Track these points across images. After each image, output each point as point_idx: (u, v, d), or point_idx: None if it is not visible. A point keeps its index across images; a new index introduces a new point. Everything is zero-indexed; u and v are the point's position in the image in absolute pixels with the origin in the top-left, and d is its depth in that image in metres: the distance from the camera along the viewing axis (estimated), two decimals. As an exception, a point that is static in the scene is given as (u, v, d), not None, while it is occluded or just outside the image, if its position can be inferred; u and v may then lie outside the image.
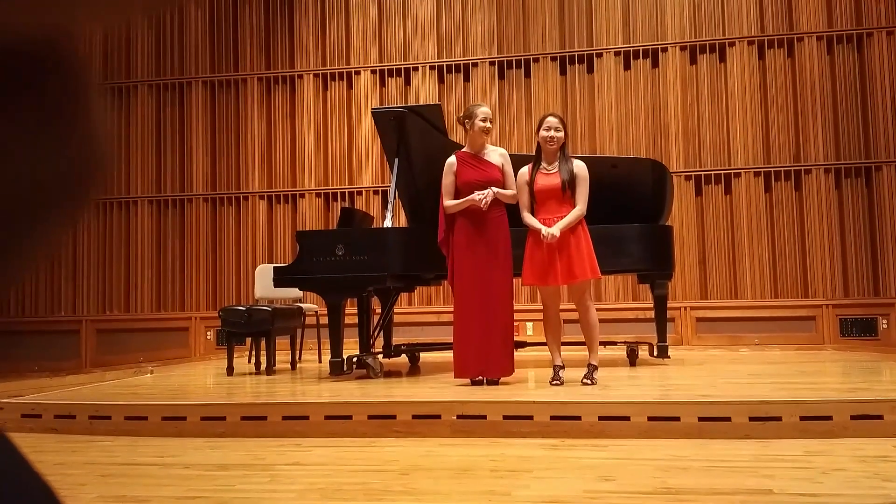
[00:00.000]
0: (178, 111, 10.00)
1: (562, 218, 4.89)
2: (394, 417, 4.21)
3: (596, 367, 4.97)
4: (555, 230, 4.82)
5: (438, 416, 4.17)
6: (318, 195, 9.58)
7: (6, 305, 10.05)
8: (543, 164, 5.05)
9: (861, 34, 8.61)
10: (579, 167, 5.02)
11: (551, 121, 5.05)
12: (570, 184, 4.93)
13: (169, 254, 9.80)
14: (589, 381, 4.85)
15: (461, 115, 5.34)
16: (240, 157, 9.80)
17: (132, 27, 10.12)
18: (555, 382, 4.89)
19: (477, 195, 5.02)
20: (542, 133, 5.04)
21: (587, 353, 5.06)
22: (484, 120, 5.17)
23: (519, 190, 5.07)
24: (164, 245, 9.84)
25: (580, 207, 4.94)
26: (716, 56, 8.92)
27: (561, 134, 5.02)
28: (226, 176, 9.82)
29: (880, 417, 3.75)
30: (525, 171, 5.08)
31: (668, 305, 6.51)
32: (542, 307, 5.15)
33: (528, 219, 4.99)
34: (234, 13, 9.98)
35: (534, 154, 5.17)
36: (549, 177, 4.98)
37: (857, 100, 8.58)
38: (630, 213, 6.10)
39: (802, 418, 3.79)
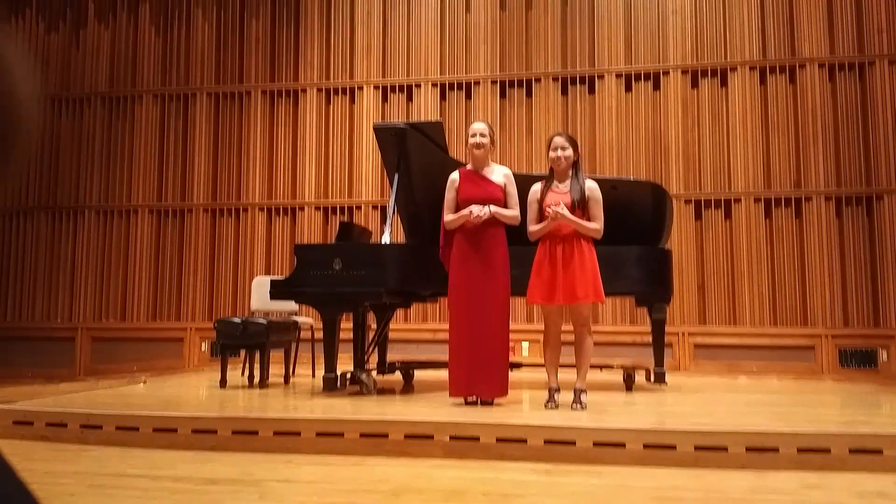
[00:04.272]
0: (182, 122, 10.00)
1: (570, 234, 4.84)
2: (386, 436, 4.16)
3: (584, 391, 4.92)
4: (563, 209, 4.77)
5: (431, 437, 4.13)
6: (317, 209, 9.56)
7: (3, 311, 10.02)
8: (555, 183, 5.02)
9: (863, 62, 8.63)
10: (592, 188, 4.98)
11: (558, 140, 5.02)
12: (580, 203, 4.89)
13: (167, 263, 9.78)
14: (579, 406, 4.80)
15: None
16: (241, 169, 9.79)
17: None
18: (550, 405, 4.85)
19: (473, 209, 5.00)
20: (551, 154, 5.02)
21: (575, 376, 5.01)
22: (473, 135, 5.15)
23: (529, 206, 5.03)
24: (162, 255, 9.82)
25: (597, 225, 4.90)
26: (717, 80, 8.93)
27: (569, 152, 4.98)
28: (226, 187, 9.81)
29: (880, 452, 3.71)
30: (537, 187, 5.05)
31: (667, 330, 6.47)
32: (538, 327, 5.10)
33: (535, 227, 4.95)
34: (240, 26, 10.00)
35: (536, 174, 5.13)
36: (560, 195, 4.93)
37: (859, 128, 8.58)
38: (629, 235, 6.06)
39: (800, 450, 3.75)
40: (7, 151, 0.36)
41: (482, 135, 5.17)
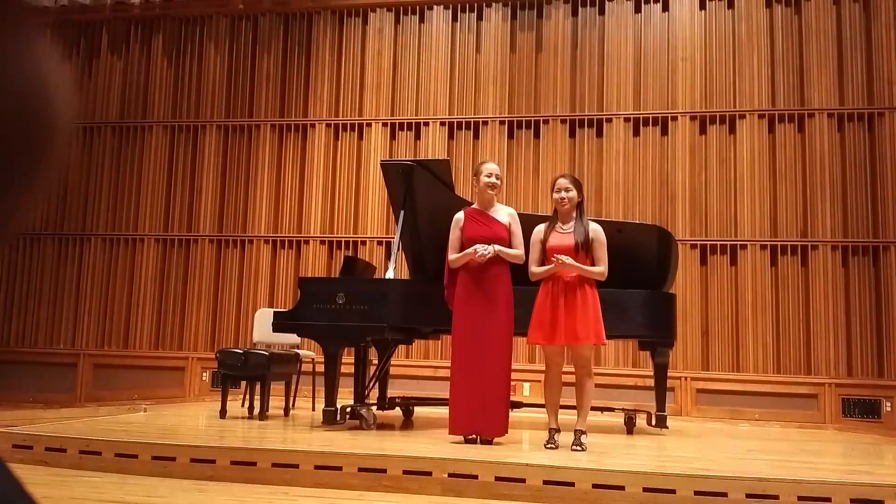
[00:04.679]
0: (191, 153, 10.07)
1: (573, 278, 4.86)
2: (384, 471, 4.14)
3: (584, 432, 4.89)
4: (568, 259, 4.78)
5: (429, 473, 4.11)
6: (322, 243, 9.58)
7: (6, 335, 10.02)
8: (559, 224, 5.04)
9: (872, 113, 8.66)
10: (596, 231, 5.01)
11: (561, 182, 5.07)
12: (583, 245, 4.91)
13: (171, 293, 9.79)
14: (579, 448, 4.77)
15: (473, 173, 5.37)
16: (247, 201, 9.84)
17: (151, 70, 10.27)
18: (549, 446, 4.83)
19: (476, 248, 5.02)
20: (555, 195, 5.06)
21: (576, 417, 4.98)
22: (489, 175, 5.19)
23: (532, 246, 5.05)
24: (166, 284, 9.83)
25: (602, 268, 4.92)
26: (726, 127, 8.97)
27: (573, 194, 5.01)
28: (233, 219, 9.85)
29: (881, 503, 3.67)
30: (541, 228, 5.08)
31: (669, 374, 6.44)
32: (540, 368, 5.09)
33: (538, 270, 4.96)
34: (251, 60, 10.11)
35: (541, 214, 5.16)
36: (563, 236, 4.96)
37: (867, 178, 8.59)
38: (633, 278, 6.06)
39: (800, 498, 3.71)
40: (36, 175, 0.37)
41: (497, 176, 5.23)
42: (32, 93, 0.35)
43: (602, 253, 4.96)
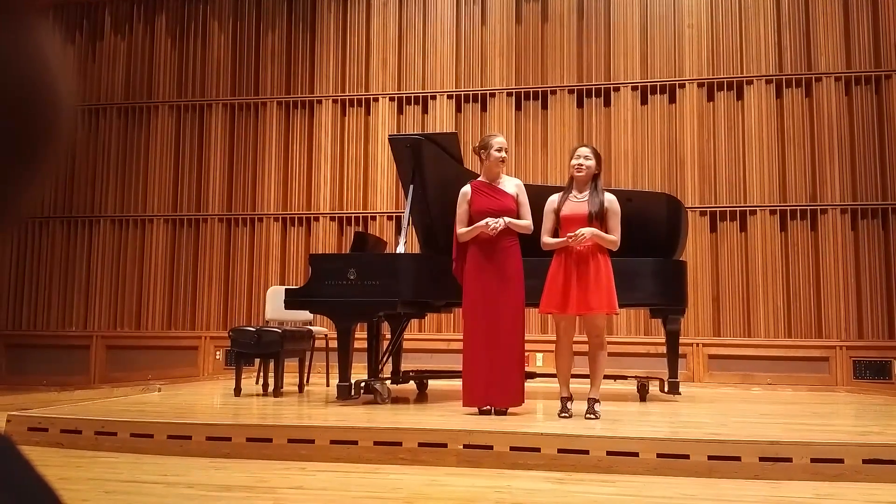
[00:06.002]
0: (198, 132, 10.06)
1: (587, 248, 4.86)
2: (399, 444, 4.17)
3: (597, 401, 4.92)
4: (586, 231, 4.80)
5: (445, 445, 4.14)
6: (332, 219, 9.59)
7: (18, 318, 10.08)
8: (574, 193, 5.05)
9: (879, 76, 8.59)
10: (610, 200, 5.01)
11: (582, 150, 5.09)
12: (597, 215, 4.92)
13: (182, 272, 9.82)
14: (593, 416, 4.80)
15: (477, 145, 5.35)
16: (256, 179, 9.84)
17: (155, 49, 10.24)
18: (563, 415, 4.85)
19: (487, 221, 5.02)
20: (573, 161, 5.07)
21: (588, 386, 5.01)
22: (499, 150, 5.17)
23: (545, 216, 5.05)
24: (177, 263, 9.86)
25: (616, 238, 4.93)
26: (733, 93, 8.92)
27: (591, 163, 5.03)
28: (241, 197, 9.85)
29: (894, 462, 3.69)
30: (554, 198, 5.09)
31: (681, 341, 6.45)
32: (553, 338, 5.11)
33: (550, 240, 4.98)
34: (256, 37, 10.07)
35: (550, 185, 5.16)
36: (578, 205, 4.97)
37: (875, 141, 8.54)
38: (644, 247, 6.06)
39: (813, 460, 3.74)
40: (41, 160, 0.37)
41: (506, 150, 5.23)
42: (35, 77, 0.35)
43: (616, 223, 4.96)
